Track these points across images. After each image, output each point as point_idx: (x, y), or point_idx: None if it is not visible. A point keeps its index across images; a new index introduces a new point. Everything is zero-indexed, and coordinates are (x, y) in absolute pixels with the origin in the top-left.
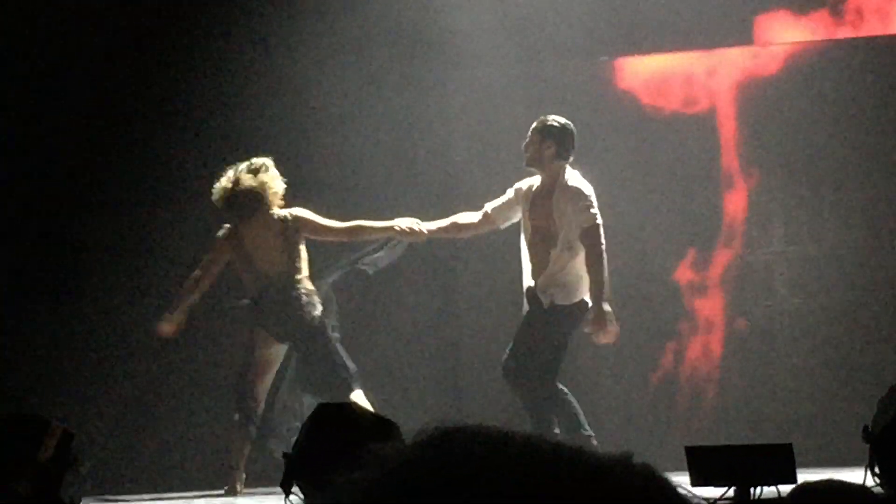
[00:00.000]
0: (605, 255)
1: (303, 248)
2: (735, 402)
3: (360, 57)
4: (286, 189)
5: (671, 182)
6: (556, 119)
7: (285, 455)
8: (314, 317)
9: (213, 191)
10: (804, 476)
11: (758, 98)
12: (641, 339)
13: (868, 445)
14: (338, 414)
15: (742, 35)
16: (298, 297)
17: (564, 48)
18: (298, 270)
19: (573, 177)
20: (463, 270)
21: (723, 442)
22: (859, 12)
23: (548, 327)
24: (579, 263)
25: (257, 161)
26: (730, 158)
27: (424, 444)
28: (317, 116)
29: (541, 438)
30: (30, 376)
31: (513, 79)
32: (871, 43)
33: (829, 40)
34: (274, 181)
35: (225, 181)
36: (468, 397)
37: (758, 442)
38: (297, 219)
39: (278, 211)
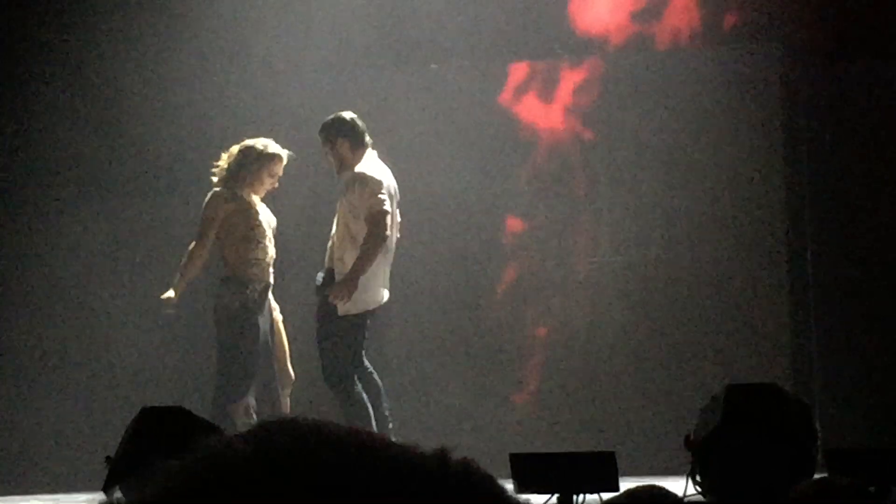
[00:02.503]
0: (383, 245)
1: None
2: (559, 410)
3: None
4: None
5: (494, 189)
6: (330, 118)
7: (107, 458)
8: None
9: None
10: (626, 484)
11: (585, 106)
12: (462, 344)
13: (690, 453)
14: (162, 417)
15: (568, 44)
16: None
17: (391, 55)
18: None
19: (364, 162)
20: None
21: (546, 449)
22: (688, 25)
23: (340, 329)
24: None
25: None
26: (556, 166)
27: (243, 436)
28: (124, 114)
29: (356, 430)
30: None
31: (340, 86)
32: (696, 53)
33: (655, 50)
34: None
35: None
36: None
37: (581, 450)
38: None
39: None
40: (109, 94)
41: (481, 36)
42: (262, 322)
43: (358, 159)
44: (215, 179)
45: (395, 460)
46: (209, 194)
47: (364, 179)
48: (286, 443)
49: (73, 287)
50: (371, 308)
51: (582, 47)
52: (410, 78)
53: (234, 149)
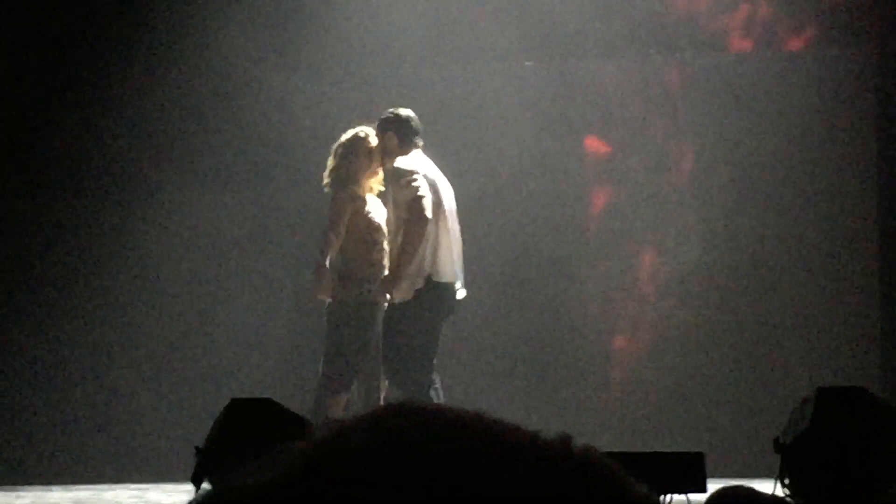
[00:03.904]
0: (425, 229)
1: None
2: (648, 410)
3: (277, 46)
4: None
5: (586, 189)
6: (391, 111)
7: (196, 449)
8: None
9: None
10: (714, 485)
11: (676, 108)
12: (554, 341)
13: (779, 456)
14: (250, 409)
15: (664, 45)
16: None
17: (490, 53)
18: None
19: (406, 158)
20: None
21: (634, 449)
22: (774, 28)
23: (405, 319)
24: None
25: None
26: (644, 167)
27: (365, 419)
28: (231, 107)
29: (479, 414)
30: None
31: (443, 79)
32: (790, 56)
33: (740, 53)
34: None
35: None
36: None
37: (669, 450)
38: None
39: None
40: (226, 86)
41: (577, 33)
42: (375, 320)
43: (403, 155)
44: (329, 189)
45: (518, 444)
46: (332, 197)
47: (396, 171)
48: (407, 425)
49: (170, 280)
50: (411, 295)
51: (677, 48)
52: (505, 75)
53: (337, 148)
